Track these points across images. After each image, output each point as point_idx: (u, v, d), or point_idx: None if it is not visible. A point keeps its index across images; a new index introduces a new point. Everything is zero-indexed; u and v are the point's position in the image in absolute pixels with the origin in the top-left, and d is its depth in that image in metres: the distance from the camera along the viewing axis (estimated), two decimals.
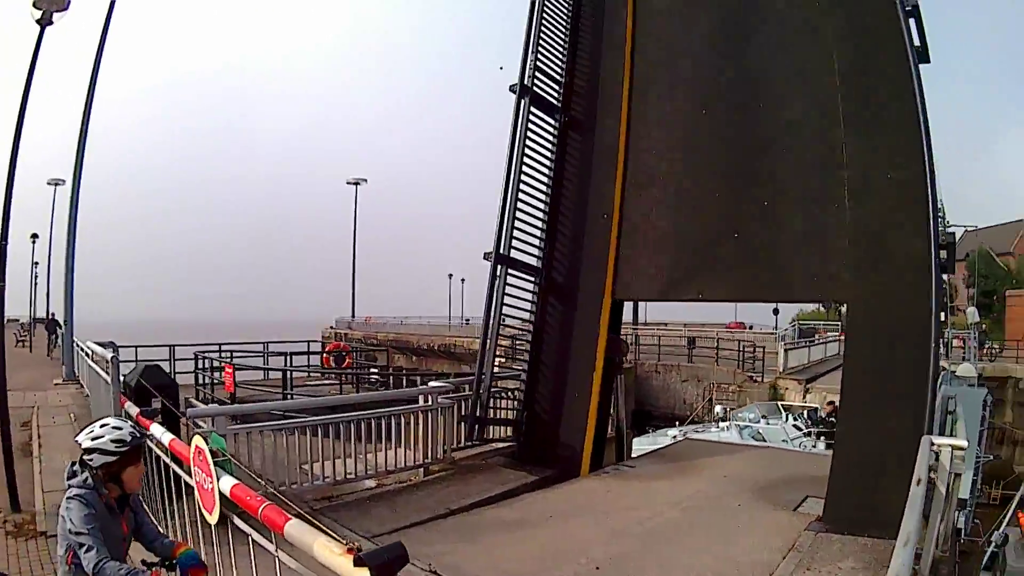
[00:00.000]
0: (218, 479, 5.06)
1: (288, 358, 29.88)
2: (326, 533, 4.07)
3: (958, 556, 10.65)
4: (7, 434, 10.12)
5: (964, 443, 7.24)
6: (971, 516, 16.70)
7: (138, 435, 4.20)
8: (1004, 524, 18.04)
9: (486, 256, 12.96)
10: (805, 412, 27.18)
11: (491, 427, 13.37)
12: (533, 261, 13.76)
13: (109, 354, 9.08)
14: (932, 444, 6.83)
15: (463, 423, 12.78)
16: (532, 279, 13.79)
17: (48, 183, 53.69)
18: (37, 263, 61.68)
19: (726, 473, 12.89)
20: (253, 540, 4.85)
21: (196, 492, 5.48)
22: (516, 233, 13.28)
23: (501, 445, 13.61)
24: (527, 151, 13.42)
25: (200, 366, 23.67)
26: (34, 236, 55.89)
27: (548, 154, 13.91)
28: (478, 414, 12.81)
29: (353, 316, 75.53)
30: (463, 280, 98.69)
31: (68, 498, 4.00)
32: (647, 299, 15.09)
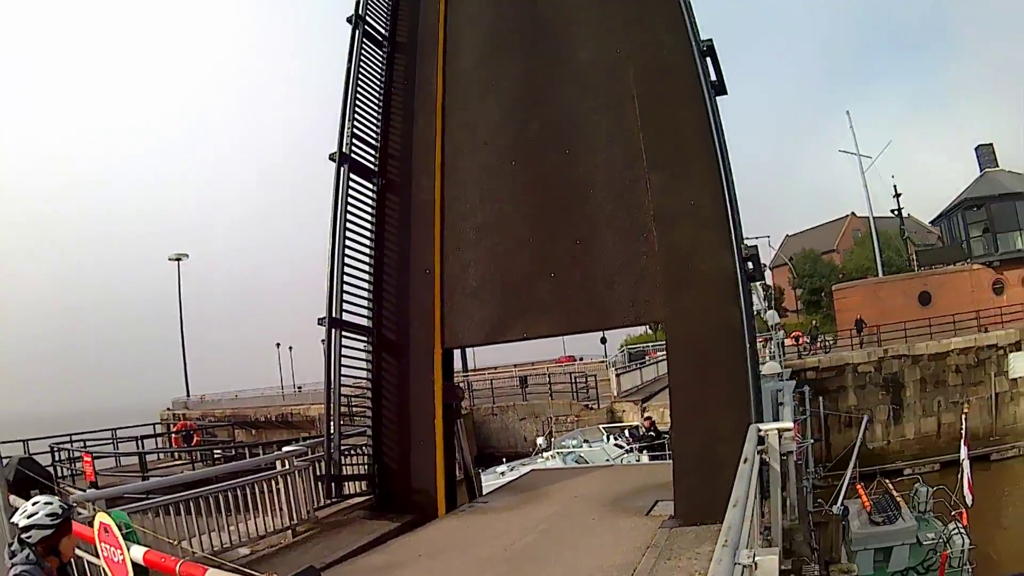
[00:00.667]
0: (128, 549, 5.54)
1: (140, 442, 29.34)
2: (247, 573, 4.66)
3: (812, 526, 11.85)
4: None
5: (790, 425, 8.35)
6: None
7: (67, 507, 4.65)
8: (842, 497, 19.75)
9: (320, 321, 13.39)
10: (627, 431, 28.82)
11: (347, 483, 13.73)
12: (364, 321, 14.25)
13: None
14: (759, 430, 7.88)
15: (320, 483, 13.13)
16: (365, 338, 14.31)
17: None
18: None
19: (576, 494, 13.65)
20: None
21: (103, 568, 5.88)
22: (345, 296, 13.73)
23: (360, 499, 13.97)
24: (349, 215, 13.94)
25: (56, 458, 23.59)
26: None
27: (369, 216, 14.44)
28: (332, 472, 13.20)
29: (188, 395, 74.26)
30: (291, 348, 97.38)
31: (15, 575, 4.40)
32: (475, 344, 15.63)
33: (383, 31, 15.29)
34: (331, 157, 13.89)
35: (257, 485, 11.64)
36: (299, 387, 71.36)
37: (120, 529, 5.68)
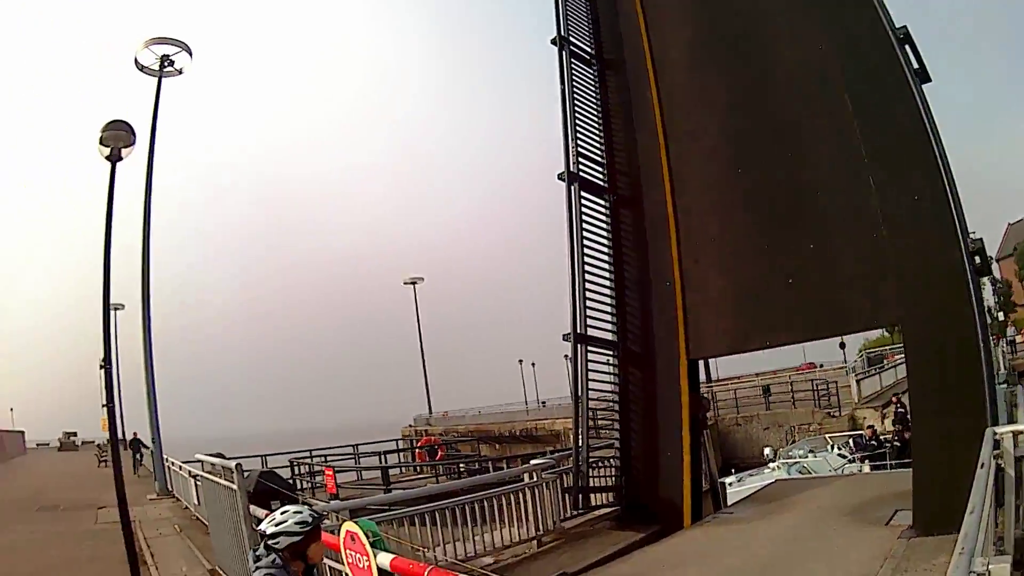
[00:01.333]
0: (375, 556, 5.84)
1: (383, 457, 30.63)
2: None
3: None
4: (132, 548, 11.47)
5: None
6: None
7: (317, 515, 4.81)
8: None
9: (565, 337, 13.72)
10: (851, 440, 27.96)
11: (593, 495, 13.95)
12: (608, 335, 14.44)
13: (233, 463, 9.79)
14: (995, 433, 7.39)
15: (567, 495, 13.39)
16: (610, 352, 14.46)
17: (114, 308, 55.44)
18: (109, 387, 63.40)
19: (819, 504, 13.25)
20: None
21: (347, 573, 6.21)
22: (589, 311, 14.00)
23: (606, 511, 14.17)
24: (585, 232, 14.20)
25: (296, 472, 24.55)
26: (103, 363, 57.18)
27: (605, 232, 14.65)
28: (580, 484, 13.48)
29: (430, 412, 75.62)
30: (533, 364, 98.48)
31: None
32: (718, 355, 15.49)
33: (588, 50, 15.51)
34: (560, 177, 14.23)
35: (504, 497, 11.95)
36: (543, 402, 71.82)
37: (367, 537, 5.97)
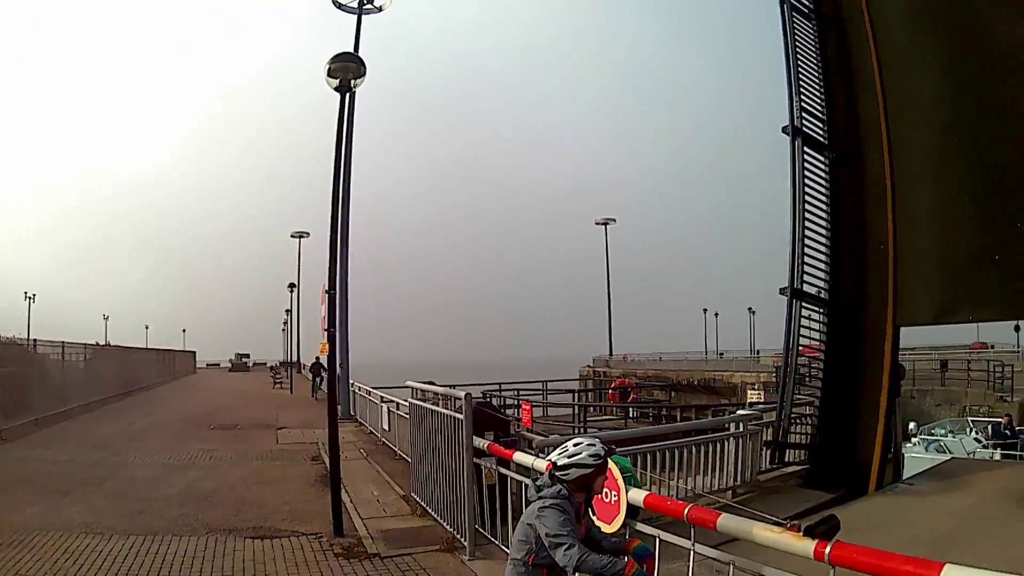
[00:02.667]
0: (627, 492, 5.96)
1: (576, 395, 30.95)
2: (759, 518, 4.88)
3: None
4: (336, 467, 11.30)
5: None
6: None
7: (608, 449, 4.86)
8: None
9: (782, 291, 13.72)
10: (989, 426, 28.36)
11: (789, 451, 14.00)
12: (820, 293, 14.30)
13: (461, 393, 9.93)
14: None
15: (765, 448, 13.45)
16: (820, 310, 14.32)
17: (292, 236, 57.90)
18: (289, 311, 68.74)
19: (995, 486, 13.10)
20: (661, 540, 5.65)
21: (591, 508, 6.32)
22: (804, 268, 13.89)
23: (797, 468, 14.19)
24: (806, 189, 14.03)
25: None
26: (291, 286, 60.47)
27: (823, 190, 14.37)
28: (780, 439, 13.53)
29: (611, 354, 75.68)
30: (716, 314, 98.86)
31: (542, 508, 4.63)
32: (923, 324, 15.08)
33: (808, 4, 15.05)
34: (784, 130, 14.07)
35: (708, 445, 11.93)
36: (721, 353, 71.22)
37: (620, 472, 6.07)
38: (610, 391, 38.32)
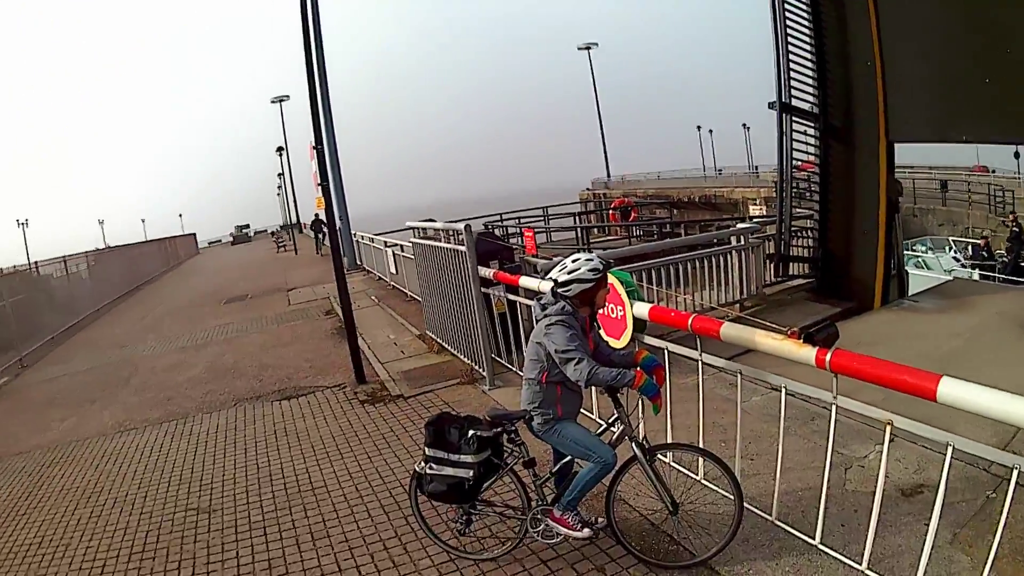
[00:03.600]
0: (631, 306, 6.11)
1: (576, 218, 31.10)
2: (762, 327, 5.01)
3: None
4: (350, 317, 11.47)
5: None
6: None
7: (605, 263, 4.98)
8: None
9: (771, 105, 13.71)
10: (969, 246, 30.07)
11: (792, 264, 14.33)
12: (810, 108, 14.20)
13: (461, 225, 9.81)
14: None
15: (768, 261, 13.76)
16: (812, 124, 14.28)
17: (272, 101, 57.26)
18: (281, 174, 67.84)
19: (998, 310, 13.14)
20: (669, 351, 5.81)
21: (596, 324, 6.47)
22: (792, 83, 13.82)
23: (802, 281, 14.53)
24: (787, 2, 13.76)
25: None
26: (279, 149, 60.00)
27: (806, 3, 14.08)
28: (782, 252, 13.81)
29: (608, 176, 76.08)
30: (711, 131, 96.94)
31: (549, 325, 4.82)
32: (918, 140, 14.90)
33: None
34: None
35: (711, 259, 12.16)
36: (719, 170, 70.85)
37: (623, 287, 6.21)
38: (610, 211, 38.21)
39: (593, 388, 6.71)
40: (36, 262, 26.77)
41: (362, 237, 26.28)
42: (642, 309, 6.06)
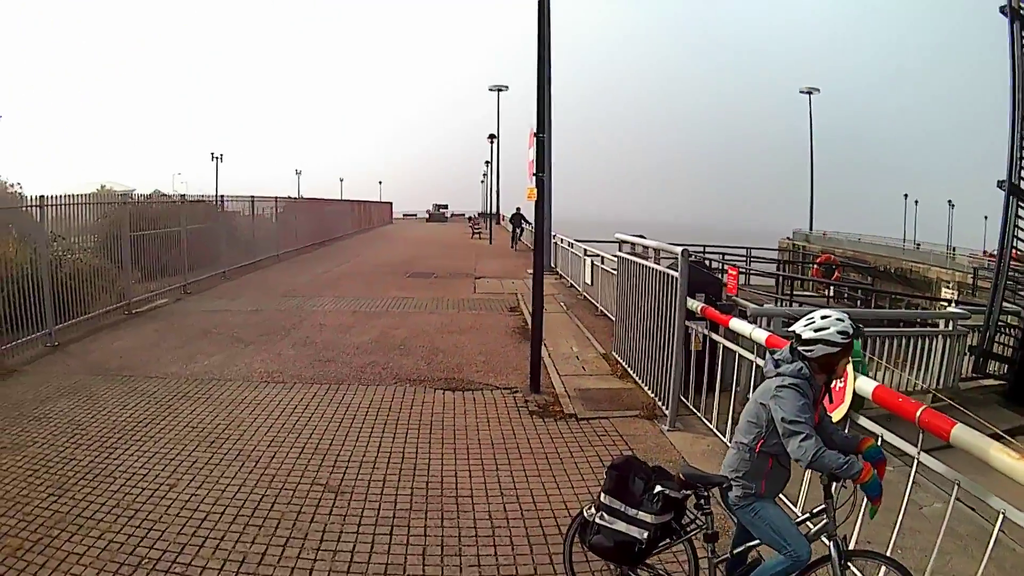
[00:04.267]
0: (854, 379, 5.38)
1: (781, 265, 30.51)
2: (996, 437, 4.27)
3: None
4: (539, 320, 10.99)
5: None
6: None
7: (856, 328, 4.35)
8: None
9: (999, 184, 12.72)
10: None
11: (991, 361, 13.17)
12: None
13: (677, 248, 9.13)
14: None
15: (968, 353, 12.64)
16: None
17: (491, 89, 57.35)
18: (488, 162, 68.54)
19: None
20: (884, 440, 5.07)
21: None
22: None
23: (995, 382, 13.32)
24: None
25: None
26: (491, 136, 59.77)
27: None
28: (986, 346, 12.78)
29: (811, 228, 74.38)
30: (916, 202, 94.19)
31: (780, 387, 4.22)
32: None
33: None
34: (1001, 10, 12.88)
35: (915, 339, 11.25)
36: (917, 244, 68.87)
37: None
38: (814, 266, 37.43)
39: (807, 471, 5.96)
40: (223, 196, 27.16)
41: (561, 240, 25.77)
42: (866, 385, 5.32)
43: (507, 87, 58.17)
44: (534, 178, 10.84)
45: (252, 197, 28.10)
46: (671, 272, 9.12)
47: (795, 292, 28.57)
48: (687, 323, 8.94)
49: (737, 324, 7.96)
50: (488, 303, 18.95)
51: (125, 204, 17.10)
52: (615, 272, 12.82)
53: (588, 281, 19.30)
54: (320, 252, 34.29)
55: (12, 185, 26.86)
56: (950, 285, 38.95)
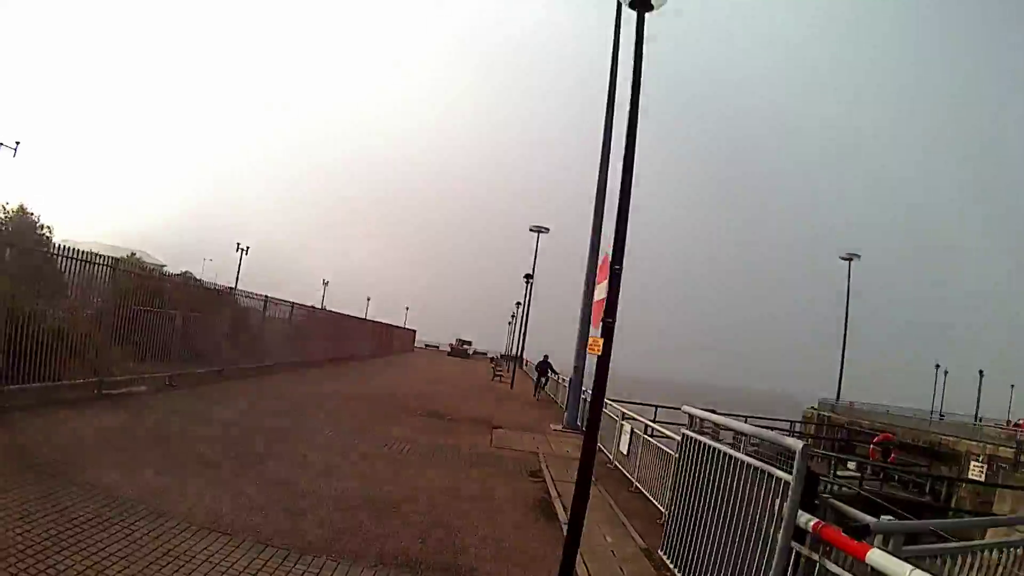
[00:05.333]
0: None
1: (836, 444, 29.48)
2: None
3: None
4: (580, 515, 7.73)
5: None
6: None
7: None
8: None
9: None
10: None
11: None
12: None
13: (795, 442, 6.58)
14: None
15: None
16: None
17: (531, 229, 57.86)
18: (519, 303, 70.59)
19: None
20: None
21: None
22: None
23: None
24: None
25: None
26: (527, 276, 60.91)
27: None
28: None
29: (838, 399, 73.35)
30: (946, 372, 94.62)
31: None
32: None
33: None
34: None
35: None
36: (941, 415, 68.85)
37: None
38: (871, 446, 36.59)
39: None
40: (231, 287, 27.28)
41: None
42: None
43: (548, 228, 57.90)
44: (601, 324, 8.04)
45: (266, 296, 27.26)
46: (775, 472, 6.63)
47: (843, 474, 27.99)
48: (798, 545, 6.19)
49: (883, 561, 5.06)
50: (505, 461, 16.35)
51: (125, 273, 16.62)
52: (672, 451, 10.84)
53: (624, 451, 16.70)
54: (331, 370, 33.25)
55: (41, 227, 25.44)
56: (979, 459, 39.05)
